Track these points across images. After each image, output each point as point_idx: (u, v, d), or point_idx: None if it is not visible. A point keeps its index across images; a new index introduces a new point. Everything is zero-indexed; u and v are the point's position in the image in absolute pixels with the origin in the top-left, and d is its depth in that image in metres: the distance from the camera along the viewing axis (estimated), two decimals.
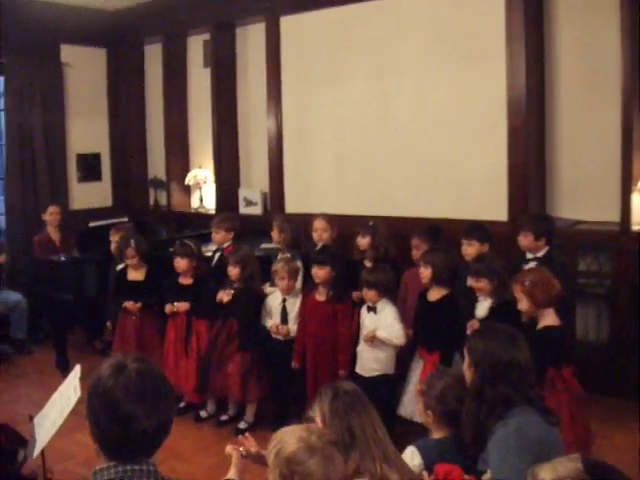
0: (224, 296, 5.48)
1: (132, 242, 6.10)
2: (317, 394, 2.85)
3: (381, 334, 4.82)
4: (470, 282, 4.64)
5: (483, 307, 4.56)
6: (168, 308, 5.78)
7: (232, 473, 2.71)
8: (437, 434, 3.09)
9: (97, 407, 2.06)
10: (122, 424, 2.02)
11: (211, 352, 5.56)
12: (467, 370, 2.99)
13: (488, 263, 4.58)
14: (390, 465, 2.64)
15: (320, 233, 6.01)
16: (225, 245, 6.32)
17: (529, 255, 5.21)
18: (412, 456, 2.95)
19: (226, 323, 5.52)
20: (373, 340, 4.85)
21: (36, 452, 3.65)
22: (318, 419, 2.75)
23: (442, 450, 2.95)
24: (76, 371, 3.91)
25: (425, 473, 2.82)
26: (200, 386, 5.64)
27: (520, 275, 4.13)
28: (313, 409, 2.80)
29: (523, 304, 4.00)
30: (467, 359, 3.00)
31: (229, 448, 2.78)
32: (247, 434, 2.86)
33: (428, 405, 3.11)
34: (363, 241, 5.70)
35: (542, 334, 3.91)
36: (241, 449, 2.77)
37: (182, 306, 5.75)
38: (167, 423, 2.12)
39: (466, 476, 2.76)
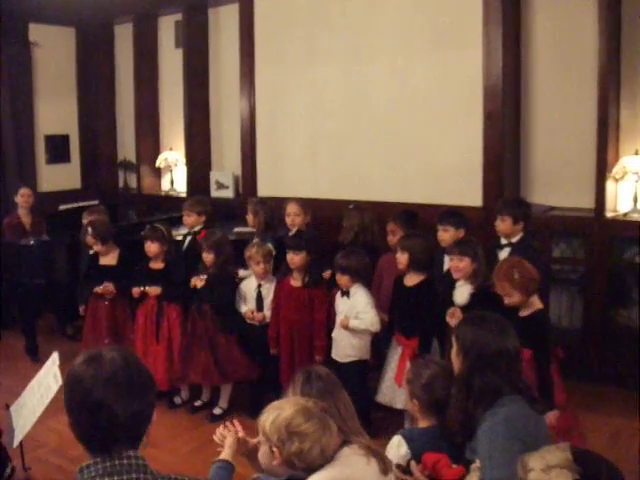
0: (197, 282, 5.41)
1: (89, 230, 6.03)
2: (291, 379, 2.84)
3: (354, 323, 4.81)
4: (450, 263, 4.62)
5: (462, 293, 4.53)
6: (135, 291, 5.70)
7: (226, 454, 2.69)
8: (423, 423, 3.07)
9: (71, 398, 2.01)
10: (96, 412, 1.96)
11: (188, 339, 5.49)
12: (455, 358, 2.98)
13: (471, 244, 4.57)
14: (365, 438, 2.67)
15: (293, 217, 5.99)
16: (196, 229, 6.27)
17: (503, 241, 5.21)
18: (399, 445, 2.92)
19: (200, 309, 5.45)
20: (347, 327, 4.84)
21: (16, 442, 3.58)
22: None
23: (428, 439, 2.94)
24: (54, 358, 3.85)
25: (413, 462, 2.80)
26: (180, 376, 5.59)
27: (501, 270, 4.07)
28: (287, 394, 2.78)
29: (514, 298, 3.96)
30: (455, 347, 2.98)
31: (221, 429, 2.76)
32: (235, 420, 2.83)
33: (414, 394, 3.09)
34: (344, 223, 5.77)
35: (536, 318, 3.95)
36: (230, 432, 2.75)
37: (153, 290, 5.66)
38: (147, 411, 2.05)
39: (454, 465, 2.75)
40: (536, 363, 3.80)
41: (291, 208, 6.02)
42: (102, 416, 1.95)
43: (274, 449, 2.38)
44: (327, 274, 5.36)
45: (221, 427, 2.78)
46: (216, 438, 2.76)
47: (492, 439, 2.64)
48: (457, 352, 2.96)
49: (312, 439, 2.36)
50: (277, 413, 2.40)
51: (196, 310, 5.46)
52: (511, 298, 3.97)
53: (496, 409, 2.73)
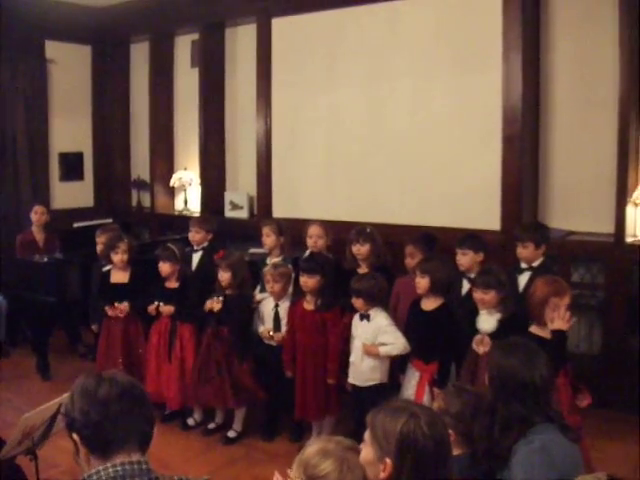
0: (214, 304, 5.34)
1: (126, 238, 6.00)
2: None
3: (385, 349, 4.72)
4: (477, 295, 4.51)
5: (488, 320, 4.44)
6: (151, 308, 5.67)
7: None
8: (453, 451, 2.98)
9: (81, 403, 2.09)
10: (103, 407, 2.05)
11: (203, 361, 5.41)
12: (487, 384, 2.94)
13: (495, 275, 4.49)
14: None
15: (315, 240, 5.82)
16: (204, 245, 6.25)
17: (524, 265, 5.14)
18: None
19: (217, 331, 5.37)
20: (372, 353, 4.76)
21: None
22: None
23: (459, 467, 2.85)
24: None
25: None
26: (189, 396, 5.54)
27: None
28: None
29: None
30: (487, 373, 2.94)
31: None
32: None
33: (448, 424, 2.98)
34: (363, 249, 5.48)
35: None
36: None
37: (167, 309, 5.64)
38: (150, 415, 2.14)
39: None
40: None
41: (314, 230, 5.85)
42: (107, 408, 2.05)
43: None
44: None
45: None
46: None
47: (528, 469, 2.59)
48: (487, 379, 2.92)
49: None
50: (299, 457, 2.30)
51: (212, 333, 5.38)
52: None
53: (530, 438, 2.68)
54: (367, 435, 2.33)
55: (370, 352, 4.76)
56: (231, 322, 5.34)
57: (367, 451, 2.31)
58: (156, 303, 5.65)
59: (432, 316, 4.68)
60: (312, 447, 2.29)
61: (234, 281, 5.36)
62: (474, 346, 4.36)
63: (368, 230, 5.59)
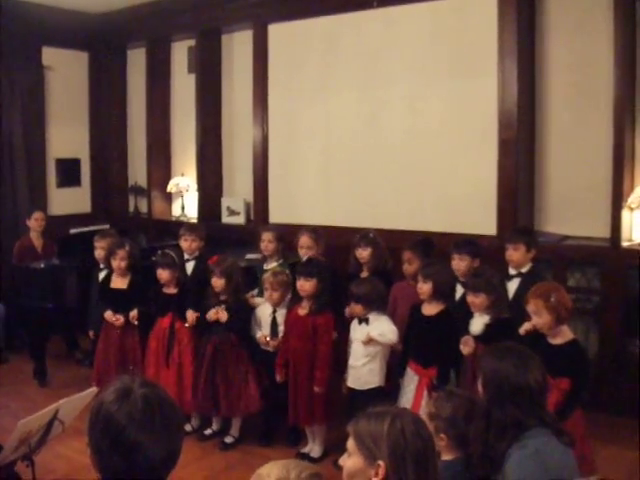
0: (220, 315, 5.31)
1: (127, 245, 6.00)
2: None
3: (374, 333, 4.71)
4: (468, 298, 4.53)
5: (478, 323, 4.47)
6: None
7: None
8: (446, 456, 2.98)
9: (102, 438, 1.91)
10: (131, 454, 1.86)
11: (209, 371, 5.37)
12: (481, 388, 2.94)
13: (486, 278, 4.50)
14: None
15: (306, 250, 5.75)
16: (195, 255, 6.21)
17: (512, 271, 5.11)
18: None
19: (227, 339, 5.36)
20: (368, 342, 4.75)
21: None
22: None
23: (453, 472, 2.87)
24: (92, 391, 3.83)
25: None
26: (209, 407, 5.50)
27: (539, 290, 4.03)
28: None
29: (542, 319, 3.91)
30: (480, 378, 2.94)
31: None
32: None
33: (440, 428, 2.99)
34: (365, 253, 5.51)
35: (575, 347, 3.97)
36: None
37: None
38: (179, 448, 1.98)
39: None
40: (571, 391, 3.80)
41: (304, 241, 5.79)
42: (138, 458, 1.87)
43: None
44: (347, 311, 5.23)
45: None
46: None
47: (521, 474, 2.60)
48: (481, 382, 2.93)
49: None
50: None
51: (221, 341, 5.35)
52: (539, 319, 3.93)
53: (524, 442, 2.68)
54: (351, 444, 2.25)
55: (368, 340, 4.75)
56: (237, 330, 5.35)
57: (354, 461, 2.23)
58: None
59: (434, 321, 4.70)
60: (269, 474, 1.99)
61: (228, 287, 5.35)
62: (460, 347, 4.38)
63: (371, 235, 5.60)
